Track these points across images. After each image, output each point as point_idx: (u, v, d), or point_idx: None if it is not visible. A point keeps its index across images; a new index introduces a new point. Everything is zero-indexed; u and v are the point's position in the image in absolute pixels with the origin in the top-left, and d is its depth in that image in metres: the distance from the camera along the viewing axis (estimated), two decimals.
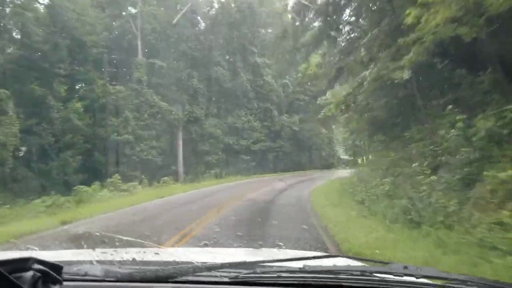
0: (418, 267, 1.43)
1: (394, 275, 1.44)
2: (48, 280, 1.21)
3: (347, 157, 70.90)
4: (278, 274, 1.47)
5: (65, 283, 1.30)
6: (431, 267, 1.80)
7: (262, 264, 1.65)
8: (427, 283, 1.43)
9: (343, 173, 39.61)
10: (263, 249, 2.74)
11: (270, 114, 44.07)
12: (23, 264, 1.15)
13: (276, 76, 45.72)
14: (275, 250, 2.63)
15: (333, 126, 64.95)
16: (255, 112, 42.89)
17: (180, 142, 36.54)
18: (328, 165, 55.61)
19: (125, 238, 2.20)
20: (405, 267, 1.43)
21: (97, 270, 1.50)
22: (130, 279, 1.48)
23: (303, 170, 47.03)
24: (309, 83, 39.06)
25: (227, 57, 42.47)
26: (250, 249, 2.77)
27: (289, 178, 32.26)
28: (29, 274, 1.15)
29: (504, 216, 6.26)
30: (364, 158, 72.59)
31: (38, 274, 1.17)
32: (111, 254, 1.78)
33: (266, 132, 43.65)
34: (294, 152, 49.45)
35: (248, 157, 40.42)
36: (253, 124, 41.68)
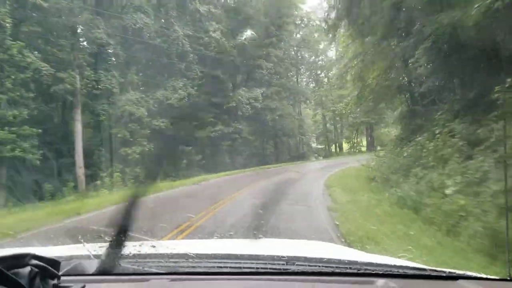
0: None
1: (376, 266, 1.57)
2: (46, 275, 1.21)
3: (314, 144, 60.55)
4: (273, 263, 1.58)
5: (63, 277, 1.31)
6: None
7: (257, 254, 1.71)
8: (419, 268, 1.59)
9: (331, 166, 28.19)
10: (261, 239, 2.61)
11: (221, 87, 31.86)
12: (20, 260, 1.15)
13: (227, 34, 33.45)
14: (272, 240, 2.80)
15: (303, 106, 53.91)
16: (198, 83, 30.45)
17: (79, 129, 23.70)
18: (299, 156, 45.15)
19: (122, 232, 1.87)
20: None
21: (95, 265, 1.57)
22: (127, 272, 1.56)
23: (270, 164, 35.37)
24: None
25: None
26: (248, 239, 2.63)
27: (258, 180, 20.44)
28: (26, 269, 1.15)
29: None
30: (337, 145, 62.51)
31: (36, 270, 1.17)
32: (108, 248, 1.74)
33: (217, 112, 31.39)
34: (258, 140, 37.64)
35: (191, 147, 28.04)
36: (197, 100, 29.28)
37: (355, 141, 60.83)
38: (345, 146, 62.22)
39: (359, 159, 36.22)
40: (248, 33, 35.75)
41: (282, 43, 40.39)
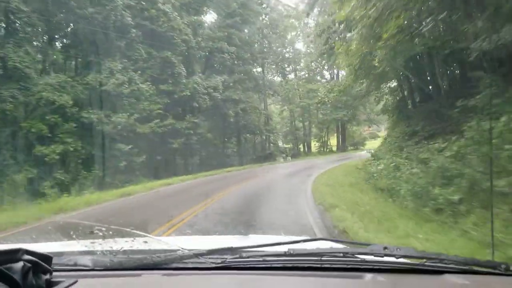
0: (398, 247, 1.50)
1: (375, 256, 1.51)
2: (39, 271, 1.21)
3: (281, 143, 55.97)
4: (263, 258, 1.55)
5: (55, 273, 1.31)
6: (410, 247, 1.66)
7: (247, 249, 1.68)
8: (406, 262, 1.51)
9: (307, 169, 23.12)
10: (251, 235, 2.66)
11: (172, 71, 26.47)
12: (12, 255, 1.15)
13: (180, 8, 28.12)
14: (262, 236, 3.01)
15: (269, 102, 49.31)
16: (143, 66, 25.01)
17: None
18: (265, 157, 40.70)
19: (114, 227, 1.98)
20: (385, 248, 1.50)
21: (87, 260, 1.56)
22: (119, 267, 1.54)
23: (232, 166, 30.35)
24: None
25: None
26: (238, 236, 2.59)
27: (215, 191, 15.31)
28: (19, 265, 1.14)
29: None
30: (306, 145, 58.20)
31: (28, 265, 1.16)
32: (100, 244, 1.75)
33: (166, 102, 25.98)
34: (218, 138, 32.52)
35: (131, 146, 22.52)
36: (140, 87, 23.77)
37: (325, 139, 56.77)
38: (314, 145, 58.06)
39: (335, 160, 32.00)
40: (206, 9, 30.49)
41: (247, 25, 35.37)
